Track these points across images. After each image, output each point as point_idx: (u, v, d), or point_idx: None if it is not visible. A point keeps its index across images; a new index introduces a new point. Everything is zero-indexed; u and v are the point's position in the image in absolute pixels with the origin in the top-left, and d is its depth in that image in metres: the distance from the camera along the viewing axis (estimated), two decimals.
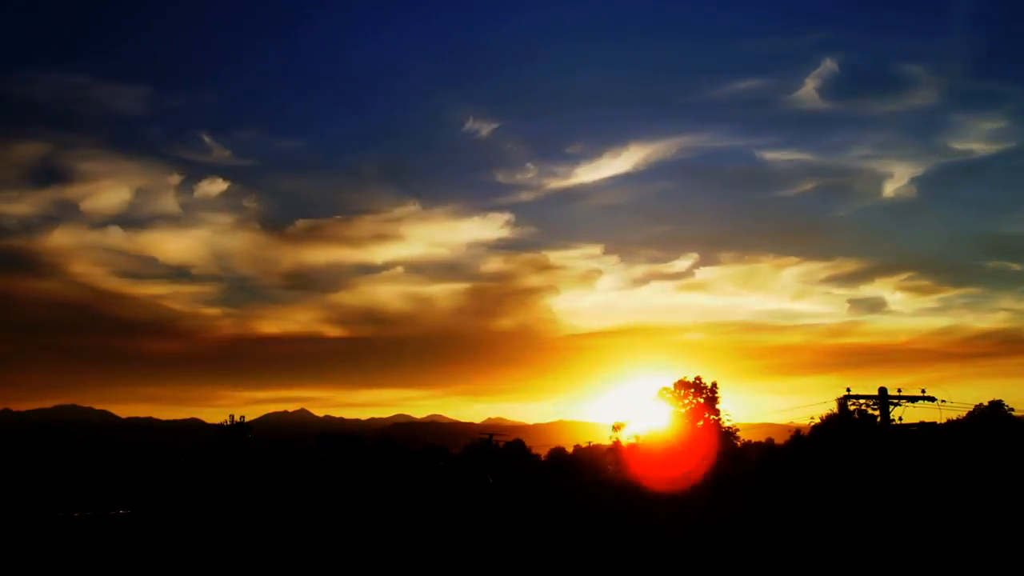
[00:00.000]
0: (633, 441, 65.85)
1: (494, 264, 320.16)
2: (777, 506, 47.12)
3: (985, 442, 62.12)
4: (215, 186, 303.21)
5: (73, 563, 35.00)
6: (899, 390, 46.23)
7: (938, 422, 58.27)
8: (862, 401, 48.79)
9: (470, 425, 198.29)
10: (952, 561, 31.61)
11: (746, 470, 60.28)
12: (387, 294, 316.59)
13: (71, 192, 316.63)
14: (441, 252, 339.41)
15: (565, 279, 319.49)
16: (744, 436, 74.11)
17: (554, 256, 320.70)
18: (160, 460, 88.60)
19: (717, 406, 69.07)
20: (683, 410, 67.21)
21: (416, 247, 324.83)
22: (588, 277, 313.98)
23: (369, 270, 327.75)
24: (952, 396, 44.93)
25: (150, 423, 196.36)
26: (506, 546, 40.57)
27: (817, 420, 59.11)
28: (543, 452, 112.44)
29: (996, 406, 70.60)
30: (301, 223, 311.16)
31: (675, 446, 63.72)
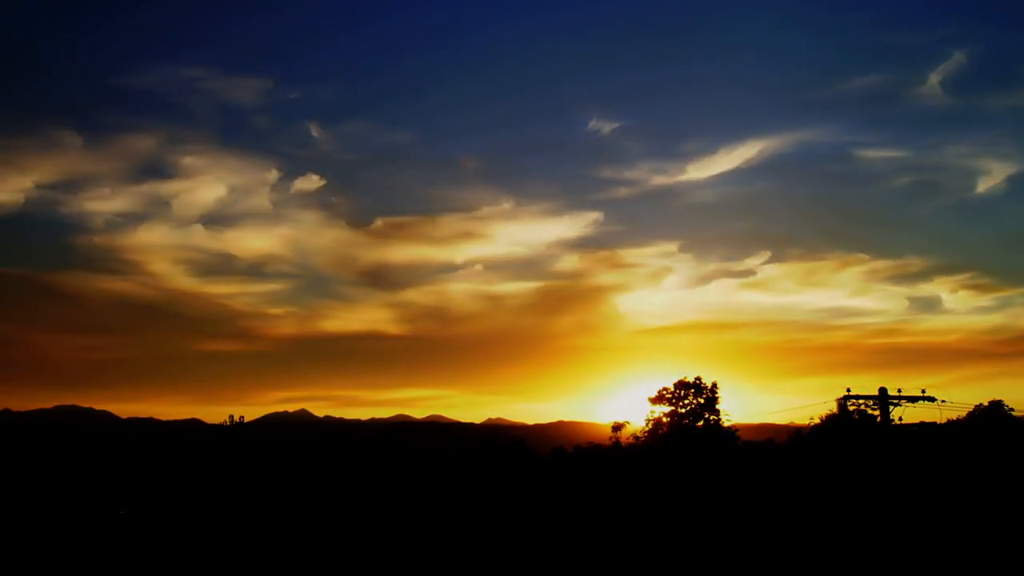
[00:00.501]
0: (632, 442, 65.87)
1: (569, 262, 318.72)
2: (775, 506, 47.07)
3: (985, 442, 62.10)
4: (310, 183, 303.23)
5: (73, 563, 34.97)
6: (899, 390, 46.14)
7: (938, 422, 58.28)
8: (862, 401, 48.70)
9: (470, 426, 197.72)
10: (951, 561, 31.60)
11: (744, 470, 60.23)
12: (457, 292, 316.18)
13: (166, 188, 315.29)
14: (521, 251, 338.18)
15: (636, 277, 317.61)
16: (747, 436, 74.13)
17: (630, 254, 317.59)
18: (160, 460, 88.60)
19: (717, 406, 69.09)
20: (682, 411, 67.21)
21: (499, 245, 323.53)
22: (657, 275, 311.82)
23: (447, 269, 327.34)
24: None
25: (150, 423, 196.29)
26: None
27: (817, 420, 59.08)
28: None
29: (996, 406, 70.62)
30: (388, 220, 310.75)
31: (671, 447, 63.72)
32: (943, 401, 45.42)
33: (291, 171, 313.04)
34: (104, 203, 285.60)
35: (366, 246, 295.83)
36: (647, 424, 69.40)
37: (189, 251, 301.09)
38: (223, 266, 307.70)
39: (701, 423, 67.14)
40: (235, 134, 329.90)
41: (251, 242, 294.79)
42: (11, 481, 63.82)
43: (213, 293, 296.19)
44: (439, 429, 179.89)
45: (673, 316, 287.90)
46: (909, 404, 45.80)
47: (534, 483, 64.69)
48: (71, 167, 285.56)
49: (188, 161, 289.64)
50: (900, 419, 46.19)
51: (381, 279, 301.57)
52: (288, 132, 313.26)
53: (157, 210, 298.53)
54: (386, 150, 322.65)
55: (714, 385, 68.51)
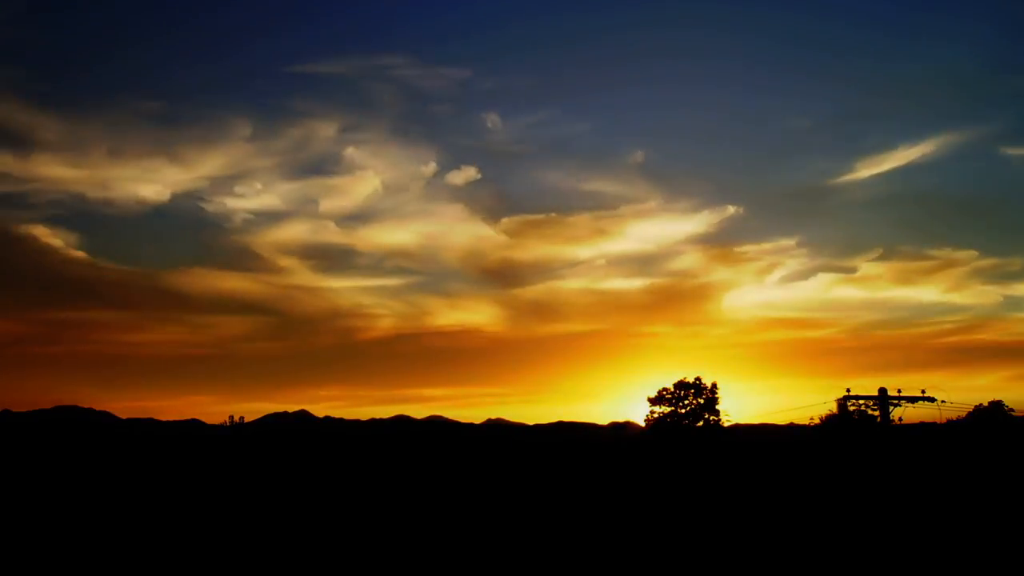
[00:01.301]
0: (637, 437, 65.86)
1: (686, 259, 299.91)
2: (773, 505, 47.00)
3: (985, 441, 62.07)
4: (464, 176, 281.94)
5: (72, 564, 34.90)
6: (899, 390, 46.06)
7: (939, 422, 58.23)
8: (861, 402, 48.62)
9: (470, 426, 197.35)
10: (950, 561, 31.55)
11: (741, 469, 60.22)
12: (569, 290, 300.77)
13: (318, 184, 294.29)
14: (647, 248, 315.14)
15: (746, 273, 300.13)
16: (748, 436, 74.09)
17: (748, 249, 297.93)
18: (160, 460, 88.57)
19: (717, 407, 69.10)
20: (682, 411, 67.21)
21: (627, 243, 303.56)
22: (765, 271, 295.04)
23: (569, 265, 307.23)
24: None
25: (149, 424, 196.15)
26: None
27: (816, 420, 59.09)
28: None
29: (997, 406, 70.65)
30: (527, 217, 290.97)
31: (669, 446, 63.71)
32: (943, 401, 45.33)
33: (449, 163, 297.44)
34: (250, 201, 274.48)
35: (497, 242, 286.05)
36: (645, 424, 69.44)
37: (319, 247, 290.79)
38: (345, 263, 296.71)
39: (701, 423, 67.18)
40: (408, 125, 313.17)
41: (382, 236, 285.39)
42: (11, 481, 63.76)
43: (326, 288, 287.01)
44: (439, 429, 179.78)
45: (766, 311, 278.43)
46: (909, 404, 45.72)
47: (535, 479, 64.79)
48: (230, 161, 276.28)
49: (349, 153, 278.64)
50: (900, 419, 46.12)
51: (502, 277, 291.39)
52: (463, 122, 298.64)
53: (302, 207, 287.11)
54: (554, 144, 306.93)
55: (714, 385, 68.53)
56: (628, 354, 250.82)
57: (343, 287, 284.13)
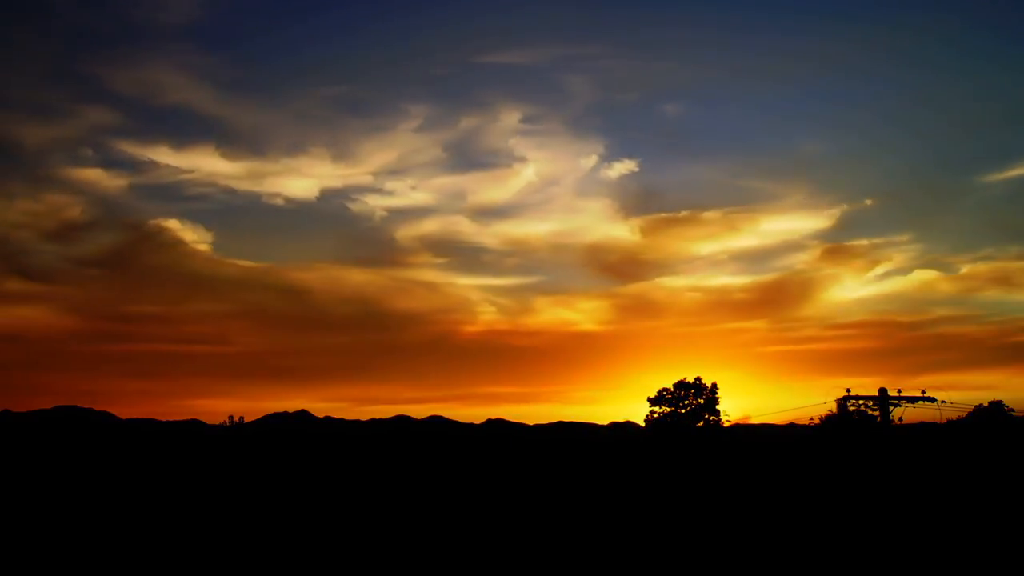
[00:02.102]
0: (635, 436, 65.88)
1: (800, 256, 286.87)
2: (770, 504, 46.99)
3: (985, 441, 62.04)
4: (620, 169, 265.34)
5: (71, 564, 34.89)
6: (899, 391, 46.05)
7: (939, 422, 58.22)
8: (861, 402, 48.60)
9: (470, 426, 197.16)
10: (951, 560, 31.54)
11: (739, 469, 60.20)
12: (673, 287, 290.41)
13: (476, 178, 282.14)
14: (766, 243, 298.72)
15: (852, 269, 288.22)
16: (747, 436, 74.16)
17: (861, 245, 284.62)
18: (159, 461, 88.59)
19: (717, 407, 69.21)
20: (682, 411, 67.31)
21: (750, 239, 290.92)
22: (865, 268, 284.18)
23: (686, 261, 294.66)
24: None
25: (149, 424, 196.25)
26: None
27: (816, 420, 59.11)
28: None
29: (997, 406, 70.67)
30: (664, 215, 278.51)
31: (668, 446, 63.74)
32: (943, 402, 45.32)
33: (612, 156, 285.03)
34: (399, 198, 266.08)
35: (627, 240, 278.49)
36: (645, 424, 69.54)
37: (454, 243, 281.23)
38: (474, 259, 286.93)
39: (701, 423, 67.27)
40: (587, 116, 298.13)
41: (514, 230, 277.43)
42: (11, 482, 63.79)
43: (445, 284, 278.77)
44: (439, 429, 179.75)
45: (861, 308, 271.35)
46: (909, 404, 45.72)
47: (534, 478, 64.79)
48: (391, 155, 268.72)
49: (515, 145, 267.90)
50: (901, 419, 46.12)
51: (614, 273, 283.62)
52: (643, 112, 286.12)
53: (450, 202, 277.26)
54: (726, 135, 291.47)
55: (713, 386, 68.64)
56: (713, 350, 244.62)
57: (462, 284, 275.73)
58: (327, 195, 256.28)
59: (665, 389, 70.19)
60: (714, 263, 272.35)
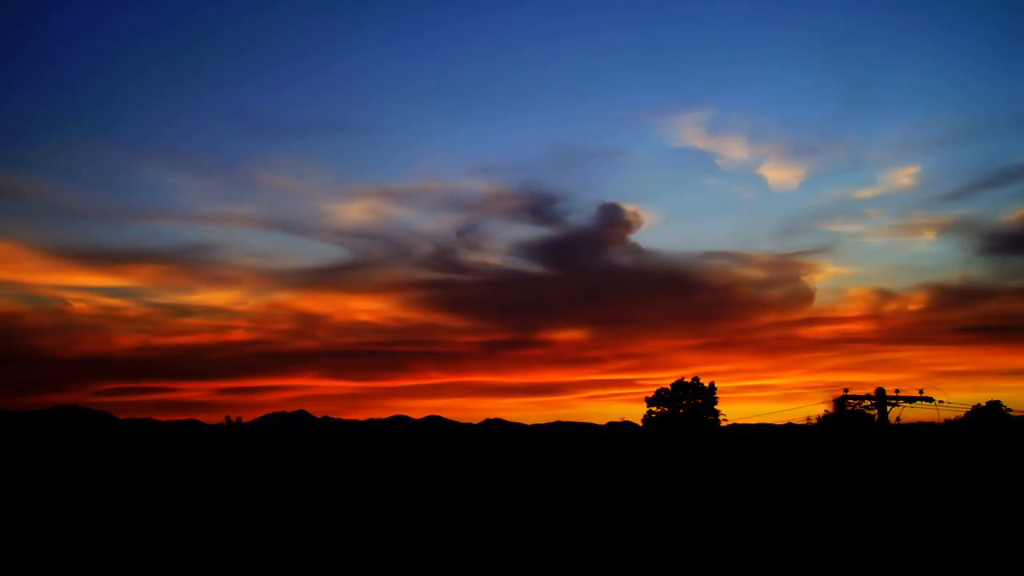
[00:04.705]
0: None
1: None
2: (769, 504, 47.00)
3: (983, 441, 62.06)
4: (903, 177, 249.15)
5: (70, 564, 34.91)
6: (897, 390, 46.00)
7: (936, 422, 58.23)
8: (858, 401, 48.58)
9: (468, 427, 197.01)
10: (950, 560, 31.57)
11: (738, 468, 60.22)
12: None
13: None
14: None
15: None
16: (745, 436, 74.17)
17: None
18: (158, 461, 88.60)
19: (716, 407, 69.18)
20: (680, 411, 67.32)
21: None
22: None
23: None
24: None
25: (148, 424, 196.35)
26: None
27: (814, 420, 59.11)
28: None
29: (995, 406, 70.72)
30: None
31: (666, 446, 63.73)
32: (941, 401, 45.25)
33: (890, 163, 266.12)
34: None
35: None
36: (643, 424, 69.55)
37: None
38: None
39: (699, 423, 67.26)
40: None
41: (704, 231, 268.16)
42: (10, 482, 63.80)
43: None
44: (438, 429, 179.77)
45: None
46: (907, 404, 45.67)
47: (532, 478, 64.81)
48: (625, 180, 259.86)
49: (720, 145, 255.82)
50: (899, 419, 46.09)
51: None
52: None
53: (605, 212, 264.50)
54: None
55: (712, 386, 68.60)
56: None
57: None
58: None
59: (663, 389, 70.18)
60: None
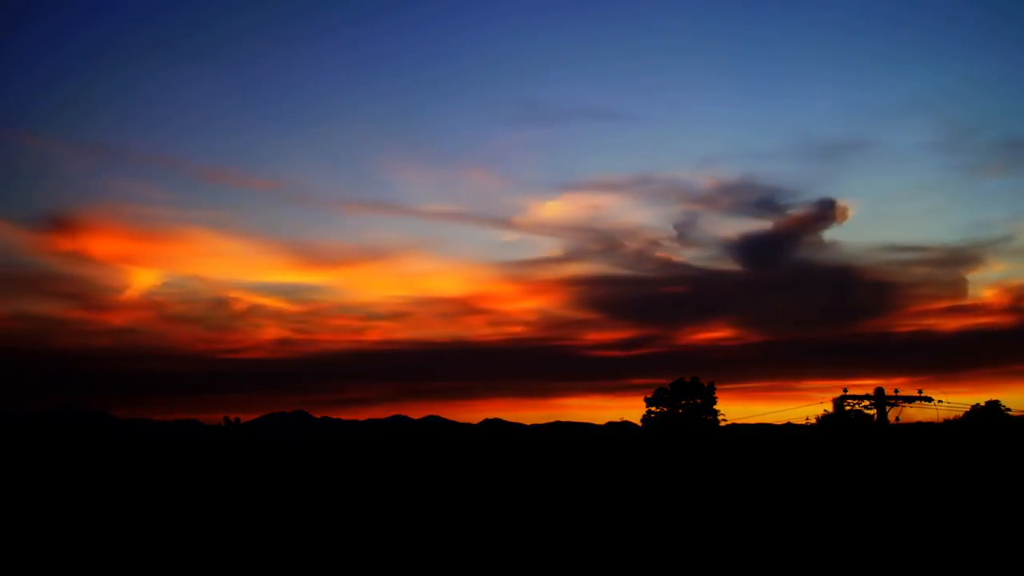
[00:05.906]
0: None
1: None
2: (768, 504, 46.97)
3: (983, 441, 62.03)
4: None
5: (69, 564, 34.85)
6: (896, 391, 45.97)
7: (936, 422, 58.21)
8: (857, 402, 48.55)
9: (467, 427, 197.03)
10: (949, 560, 31.55)
11: (737, 468, 60.19)
12: None
13: None
14: None
15: None
16: (744, 436, 74.10)
17: None
18: (157, 461, 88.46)
19: (715, 407, 69.14)
20: (679, 411, 67.27)
21: None
22: None
23: None
24: None
25: (147, 424, 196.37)
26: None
27: (813, 420, 59.07)
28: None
29: (994, 406, 70.72)
30: None
31: (666, 446, 63.67)
32: (939, 401, 45.23)
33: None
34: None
35: None
36: (642, 424, 69.50)
37: None
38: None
39: (698, 423, 67.21)
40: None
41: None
42: (10, 483, 63.69)
43: None
44: (437, 429, 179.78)
45: None
46: (906, 404, 45.65)
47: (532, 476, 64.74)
48: None
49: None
50: (898, 419, 46.06)
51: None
52: None
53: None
54: None
55: (711, 386, 68.54)
56: None
57: None
58: None
59: (662, 389, 70.09)
60: None
